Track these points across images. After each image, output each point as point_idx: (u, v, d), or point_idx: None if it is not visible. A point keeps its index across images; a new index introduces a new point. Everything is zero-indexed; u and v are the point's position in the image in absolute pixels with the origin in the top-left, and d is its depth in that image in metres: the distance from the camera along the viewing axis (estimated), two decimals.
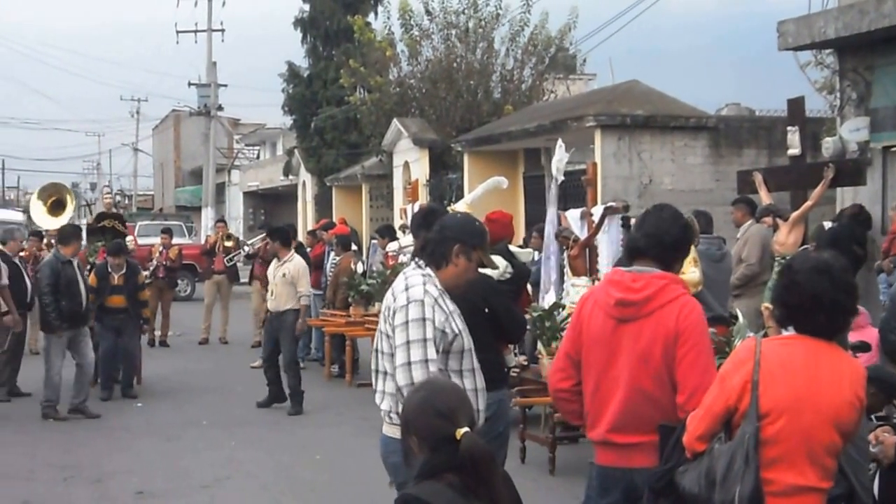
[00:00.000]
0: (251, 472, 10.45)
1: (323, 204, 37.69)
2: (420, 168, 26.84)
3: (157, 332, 20.06)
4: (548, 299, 11.24)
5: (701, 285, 9.83)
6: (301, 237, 23.46)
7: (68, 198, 19.08)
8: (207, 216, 43.03)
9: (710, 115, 19.68)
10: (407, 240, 14.49)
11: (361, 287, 15.70)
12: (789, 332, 4.39)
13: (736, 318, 9.14)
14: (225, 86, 47.76)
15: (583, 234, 11.15)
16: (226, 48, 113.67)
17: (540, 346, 10.41)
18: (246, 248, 21.08)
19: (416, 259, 5.51)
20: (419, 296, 5.22)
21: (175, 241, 22.52)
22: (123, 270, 14.79)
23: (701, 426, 4.35)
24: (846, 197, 13.62)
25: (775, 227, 12.42)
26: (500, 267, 8.35)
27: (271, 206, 56.31)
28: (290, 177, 43.34)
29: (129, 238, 18.50)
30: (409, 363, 5.11)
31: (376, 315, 15.06)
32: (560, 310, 10.44)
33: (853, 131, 13.51)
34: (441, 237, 5.47)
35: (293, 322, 13.66)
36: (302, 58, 38.58)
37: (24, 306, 14.26)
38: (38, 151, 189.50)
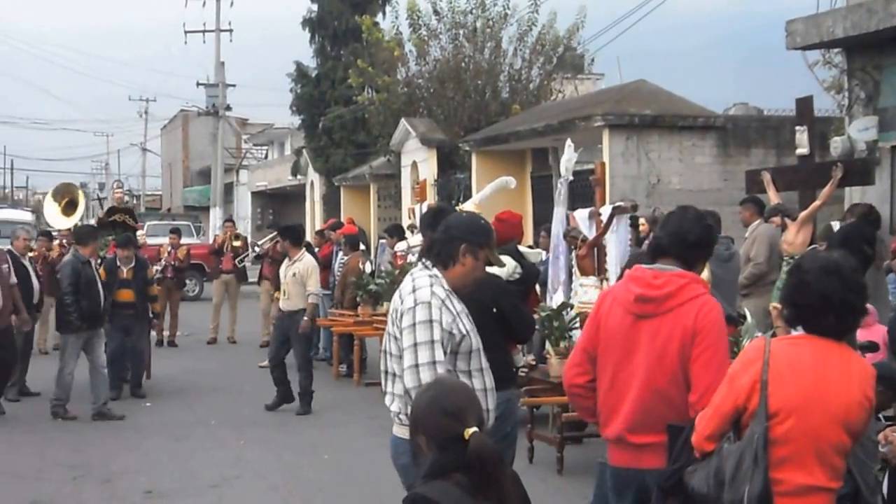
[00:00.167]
0: (259, 472, 10.46)
1: (331, 204, 37.72)
2: (428, 168, 26.85)
3: (166, 332, 20.08)
4: (556, 299, 11.23)
5: (709, 285, 9.81)
6: (309, 237, 23.49)
7: (80, 197, 19.17)
8: (216, 216, 43.07)
9: (718, 114, 19.69)
10: (415, 239, 14.50)
11: (370, 287, 15.71)
12: (798, 332, 4.39)
13: (744, 317, 9.14)
14: (233, 86, 47.78)
15: (591, 234, 11.14)
16: (234, 48, 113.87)
17: (548, 345, 10.41)
18: (256, 249, 21.09)
19: (423, 260, 5.50)
20: (426, 298, 5.21)
21: (183, 241, 22.54)
22: (132, 264, 14.80)
23: (710, 426, 4.35)
24: (854, 196, 13.60)
25: (784, 227, 12.42)
26: (508, 266, 8.35)
27: (279, 206, 56.35)
28: (299, 176, 43.37)
29: (139, 232, 18.55)
30: (417, 365, 5.10)
31: (384, 315, 15.02)
32: (568, 310, 10.44)
33: (861, 131, 13.50)
34: (447, 237, 5.46)
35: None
36: (310, 58, 38.66)
37: (32, 307, 14.26)
38: (47, 151, 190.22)
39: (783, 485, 4.15)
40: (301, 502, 9.58)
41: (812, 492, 4.17)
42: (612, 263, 10.90)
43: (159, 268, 19.63)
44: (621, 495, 5.15)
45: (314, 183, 40.26)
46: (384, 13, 35.76)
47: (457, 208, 9.92)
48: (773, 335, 4.56)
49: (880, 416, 6.59)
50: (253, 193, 59.01)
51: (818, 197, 12.39)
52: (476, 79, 28.06)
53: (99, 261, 14.90)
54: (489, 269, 5.93)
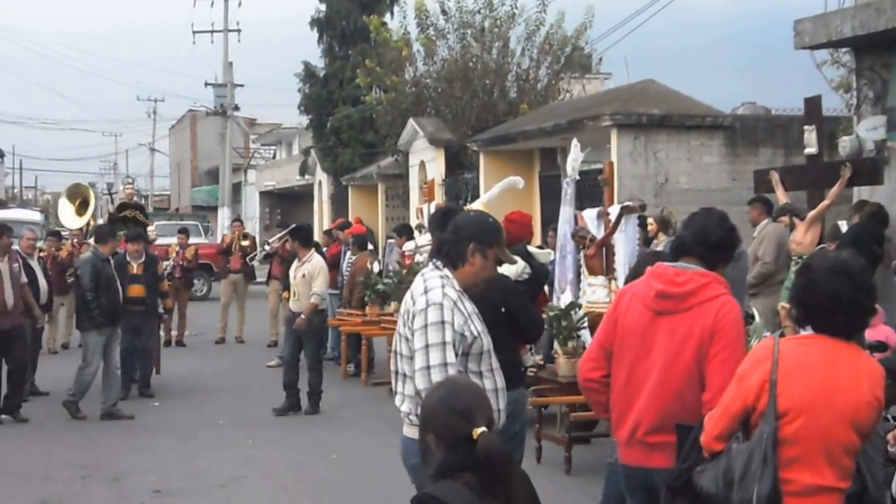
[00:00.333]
0: (267, 472, 10.47)
1: (339, 203, 37.71)
2: (436, 167, 26.85)
3: (174, 332, 20.11)
4: (563, 299, 11.23)
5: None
6: (317, 237, 23.50)
7: (91, 197, 19.32)
8: (224, 216, 43.10)
9: (725, 114, 19.67)
10: (423, 239, 14.50)
11: (378, 286, 15.71)
12: (807, 332, 4.39)
13: (752, 317, 9.12)
14: (241, 86, 47.74)
15: (599, 234, 11.15)
16: (242, 48, 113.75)
17: (556, 345, 10.40)
18: (266, 247, 21.10)
19: (434, 260, 5.49)
20: (438, 299, 5.19)
21: (191, 240, 22.56)
22: (142, 259, 14.82)
23: (719, 426, 4.35)
24: (862, 196, 13.58)
25: (792, 227, 12.40)
26: (517, 266, 8.35)
27: (287, 206, 56.39)
28: (307, 176, 43.37)
29: (150, 228, 18.58)
30: (428, 367, 5.09)
31: (392, 314, 15.09)
32: (577, 309, 10.45)
33: (870, 130, 13.48)
34: (456, 237, 5.45)
35: (319, 323, 13.65)
36: (318, 57, 38.65)
37: (40, 306, 14.28)
38: (56, 151, 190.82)
39: (792, 485, 4.14)
40: (309, 501, 9.59)
41: (821, 492, 4.17)
42: (621, 263, 10.91)
43: (168, 267, 19.64)
44: (632, 493, 5.17)
45: (322, 183, 40.26)
46: (392, 13, 35.81)
47: (465, 208, 9.90)
48: (782, 335, 4.56)
49: (888, 416, 6.57)
50: (261, 193, 59.08)
51: (826, 196, 12.36)
52: (484, 78, 28.06)
53: None
54: (499, 269, 5.92)
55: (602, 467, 7.85)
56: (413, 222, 19.97)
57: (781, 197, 13.18)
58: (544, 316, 9.70)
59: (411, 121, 27.93)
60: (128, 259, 14.64)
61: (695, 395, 4.83)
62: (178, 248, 20.76)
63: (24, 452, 11.38)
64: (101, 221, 21.97)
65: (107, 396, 13.04)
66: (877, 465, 4.76)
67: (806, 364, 4.20)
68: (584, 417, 10.26)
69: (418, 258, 14.81)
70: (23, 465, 10.81)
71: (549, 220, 17.24)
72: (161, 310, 15.68)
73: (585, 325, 10.39)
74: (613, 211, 11.22)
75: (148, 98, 79.41)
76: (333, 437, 12.06)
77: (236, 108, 46.68)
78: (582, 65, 31.43)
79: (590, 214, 11.58)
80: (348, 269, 17.22)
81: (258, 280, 23.36)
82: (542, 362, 10.92)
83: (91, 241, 18.37)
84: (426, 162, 27.73)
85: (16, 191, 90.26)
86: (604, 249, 11.08)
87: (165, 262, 19.32)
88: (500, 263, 5.66)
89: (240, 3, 49.27)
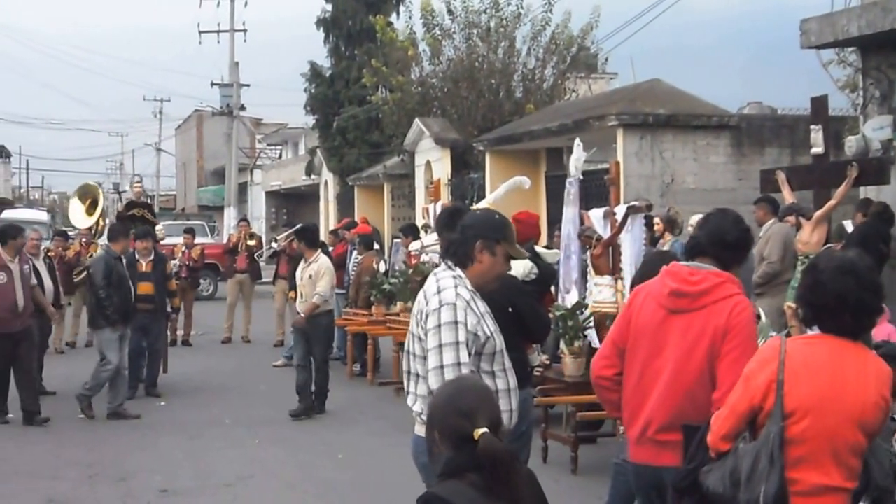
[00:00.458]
0: (274, 471, 10.48)
1: (345, 203, 37.75)
2: (442, 167, 26.86)
3: (180, 332, 20.12)
4: (569, 299, 11.23)
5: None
6: (323, 236, 23.51)
7: (100, 197, 19.41)
8: (230, 216, 43.15)
9: (732, 113, 19.66)
10: (429, 239, 14.50)
11: (384, 286, 15.70)
12: (814, 332, 4.39)
13: (759, 316, 9.12)
14: (247, 86, 47.83)
15: (606, 234, 11.14)
16: (248, 48, 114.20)
17: (562, 345, 10.40)
18: (273, 245, 21.09)
19: (446, 261, 5.49)
20: (451, 299, 5.19)
21: (198, 240, 22.57)
22: (151, 257, 14.85)
23: (725, 426, 4.35)
24: (869, 196, 13.56)
25: (798, 226, 12.40)
26: (524, 266, 8.35)
27: (294, 206, 56.43)
28: (313, 176, 43.43)
29: (158, 227, 18.62)
30: (442, 367, 5.09)
31: (398, 314, 15.10)
32: (583, 309, 10.45)
33: (876, 130, 13.46)
34: (463, 236, 5.46)
35: (327, 324, 13.63)
36: (324, 57, 38.72)
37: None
38: (62, 151, 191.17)
39: (799, 485, 4.15)
40: (316, 501, 9.59)
41: (828, 492, 4.17)
42: (627, 263, 10.90)
43: (175, 267, 19.65)
44: (641, 492, 5.18)
45: (328, 182, 40.30)
46: (398, 13, 35.82)
47: (471, 208, 9.90)
48: (788, 335, 4.57)
49: (894, 415, 6.55)
50: (267, 193, 59.10)
51: (833, 196, 12.36)
52: (490, 78, 28.06)
53: None
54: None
55: (608, 467, 7.86)
56: (419, 222, 19.98)
57: (788, 197, 13.18)
58: (551, 316, 9.71)
59: (417, 121, 27.94)
60: (137, 257, 14.66)
61: (706, 394, 4.84)
62: (183, 248, 20.78)
63: (30, 452, 11.40)
64: (110, 221, 22.00)
65: (113, 396, 13.04)
66: (883, 451, 4.76)
67: (813, 364, 4.20)
68: (591, 417, 10.26)
69: (424, 258, 14.81)
70: (30, 464, 10.83)
71: (556, 220, 17.22)
72: (169, 309, 15.69)
73: (592, 324, 10.40)
74: (620, 211, 11.21)
75: (154, 98, 79.62)
76: (340, 436, 12.06)
77: (242, 107, 46.72)
78: (588, 64, 31.43)
79: (596, 214, 11.56)
80: (354, 268, 17.23)
81: (264, 280, 23.38)
82: (548, 362, 10.93)
83: (99, 240, 18.50)
84: (432, 162, 27.74)
85: (22, 191, 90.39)
86: (610, 249, 11.07)
87: (172, 262, 19.33)
88: (512, 258, 5.65)
89: (246, 4, 49.68)
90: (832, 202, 12.24)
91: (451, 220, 6.54)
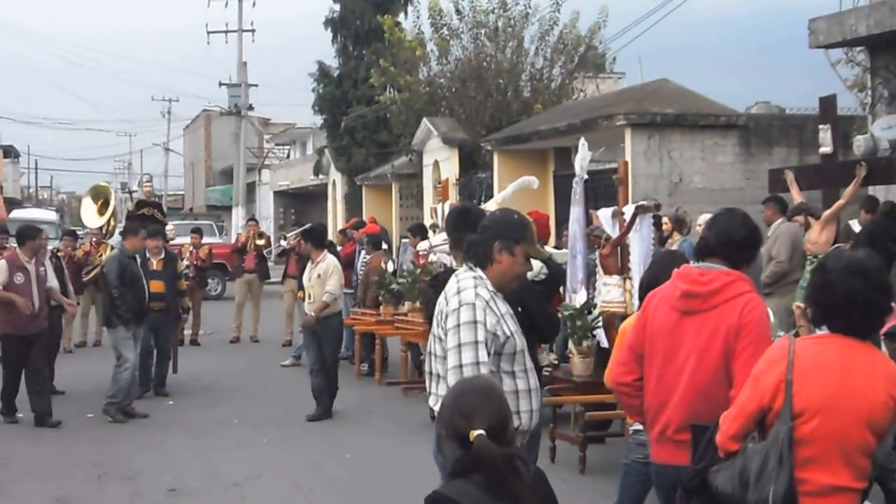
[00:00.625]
0: (282, 471, 10.48)
1: (353, 203, 37.77)
2: (450, 167, 26.87)
3: (188, 332, 20.13)
4: (577, 299, 11.22)
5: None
6: (332, 236, 23.51)
7: (112, 197, 19.49)
8: (238, 215, 43.23)
9: (740, 113, 19.65)
10: (437, 238, 14.48)
11: (392, 286, 15.70)
12: (822, 332, 4.39)
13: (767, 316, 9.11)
14: (255, 86, 47.96)
15: (614, 233, 11.13)
16: (256, 48, 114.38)
17: (571, 345, 10.40)
18: (282, 243, 21.09)
19: (468, 261, 5.51)
20: (470, 299, 5.22)
21: (206, 240, 22.58)
22: (162, 255, 14.88)
23: (734, 425, 4.35)
24: (878, 195, 13.55)
25: (807, 226, 12.39)
26: (534, 266, 8.34)
27: (302, 206, 56.48)
28: (321, 176, 43.45)
29: (168, 227, 18.65)
30: (461, 366, 5.11)
31: (406, 314, 15.10)
32: (591, 309, 10.44)
33: (885, 129, 13.45)
34: (482, 237, 5.49)
35: (337, 325, 13.59)
36: (332, 57, 38.73)
37: (51, 306, 14.25)
38: (71, 151, 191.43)
39: (808, 485, 4.14)
40: (323, 501, 9.59)
41: (837, 492, 4.16)
42: (636, 263, 10.88)
43: (183, 267, 19.67)
44: (661, 492, 5.20)
45: (336, 182, 40.33)
46: (406, 13, 35.84)
47: (480, 208, 9.89)
48: (797, 334, 4.57)
49: None
50: (275, 193, 59.18)
51: (842, 196, 12.35)
52: (498, 78, 28.06)
53: None
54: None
55: (617, 467, 7.85)
56: (427, 222, 19.96)
57: (796, 196, 13.17)
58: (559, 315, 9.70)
59: (425, 120, 27.95)
60: (147, 255, 14.69)
61: (722, 393, 4.84)
62: (191, 248, 20.80)
63: (39, 451, 11.42)
64: (121, 220, 22.05)
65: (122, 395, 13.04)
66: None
67: (821, 364, 4.20)
68: (599, 417, 10.26)
69: (432, 258, 14.79)
70: (38, 463, 10.85)
71: (564, 220, 17.18)
72: (180, 310, 15.69)
73: (600, 324, 10.39)
74: (628, 210, 11.19)
75: (162, 98, 79.82)
76: (347, 436, 12.06)
77: (250, 107, 46.81)
78: (596, 64, 31.41)
79: (604, 214, 11.54)
80: (363, 268, 17.23)
81: (273, 280, 23.40)
82: (556, 362, 10.92)
83: (110, 241, 18.55)
84: (440, 161, 27.75)
85: (31, 190, 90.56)
86: (619, 249, 11.06)
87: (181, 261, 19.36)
88: (531, 258, 5.65)
89: (254, 4, 49.59)
90: (841, 202, 12.22)
91: (460, 219, 6.55)
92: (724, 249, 5.15)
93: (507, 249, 5.40)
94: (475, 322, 5.17)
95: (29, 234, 12.84)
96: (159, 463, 10.80)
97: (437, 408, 5.32)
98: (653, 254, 10.56)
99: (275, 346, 19.51)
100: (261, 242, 21.12)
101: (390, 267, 16.87)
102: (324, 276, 13.29)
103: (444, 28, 28.75)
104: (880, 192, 13.51)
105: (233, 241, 27.40)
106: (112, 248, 17.66)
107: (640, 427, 7.16)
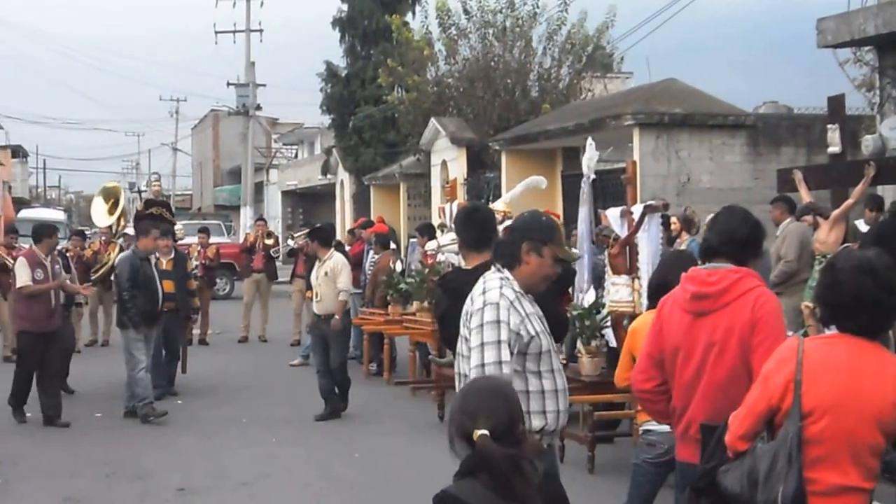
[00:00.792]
0: (291, 470, 10.49)
1: (361, 203, 37.76)
2: (458, 167, 26.87)
3: (197, 331, 20.15)
4: (586, 298, 11.23)
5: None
6: (340, 236, 23.54)
7: (122, 197, 19.59)
8: (246, 215, 43.26)
9: (748, 113, 19.64)
10: (446, 238, 14.48)
11: (400, 286, 15.70)
12: (831, 331, 4.39)
13: None
14: (263, 85, 47.82)
15: (623, 233, 11.13)
16: (264, 48, 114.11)
17: (579, 344, 10.41)
18: (290, 242, 21.11)
19: (496, 263, 5.52)
20: (494, 299, 5.23)
21: (214, 240, 22.62)
22: (171, 255, 14.89)
23: (743, 425, 4.35)
24: (887, 195, 13.54)
25: (816, 226, 12.38)
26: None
27: (310, 205, 56.50)
28: (329, 176, 43.44)
29: (177, 226, 18.69)
30: (483, 365, 5.12)
31: (415, 314, 15.10)
32: (600, 309, 10.45)
33: (893, 129, 13.44)
34: (510, 238, 5.50)
35: (345, 325, 13.58)
36: (340, 57, 38.67)
37: (60, 308, 14.26)
38: (79, 151, 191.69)
39: (817, 485, 4.14)
40: (332, 500, 9.61)
41: (846, 492, 4.16)
42: (644, 262, 10.89)
43: (193, 266, 19.70)
44: (683, 490, 5.21)
45: (344, 182, 40.32)
46: (414, 13, 35.85)
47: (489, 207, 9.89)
48: (805, 334, 4.57)
49: None
50: (283, 193, 59.20)
51: (850, 195, 12.33)
52: (505, 78, 28.06)
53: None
54: None
55: (625, 466, 7.86)
56: (435, 221, 19.97)
57: (805, 196, 13.15)
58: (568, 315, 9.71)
59: (433, 120, 27.95)
60: (157, 255, 14.68)
61: (741, 391, 4.82)
62: (199, 248, 20.83)
63: (48, 450, 11.44)
64: (131, 220, 22.14)
65: (130, 395, 13.05)
66: None
67: (830, 364, 4.20)
68: (608, 416, 10.26)
69: (440, 258, 14.80)
70: (47, 462, 10.88)
71: (572, 220, 17.19)
72: (189, 310, 15.71)
73: (609, 324, 10.40)
74: (637, 210, 11.20)
75: (170, 98, 79.68)
76: (356, 436, 12.07)
77: (258, 107, 46.80)
78: (603, 64, 31.41)
79: (613, 213, 11.55)
80: (371, 268, 17.24)
81: (281, 279, 23.44)
82: (565, 361, 10.93)
83: (118, 240, 18.59)
84: (448, 161, 27.74)
85: (39, 190, 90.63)
86: (627, 249, 11.07)
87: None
88: (559, 260, 5.65)
89: (262, 4, 49.39)
90: (849, 201, 12.20)
91: (469, 219, 6.56)
92: (727, 248, 5.16)
93: (535, 250, 5.39)
94: (498, 322, 5.17)
95: (45, 231, 12.98)
96: (168, 462, 10.82)
97: None
98: (661, 254, 10.56)
99: (283, 346, 19.54)
100: (269, 242, 21.15)
101: (398, 267, 16.87)
102: (331, 274, 13.29)
103: (452, 28, 28.75)
104: (889, 192, 13.50)
105: (241, 240, 27.43)
106: (121, 247, 17.71)
107: (649, 427, 7.18)
